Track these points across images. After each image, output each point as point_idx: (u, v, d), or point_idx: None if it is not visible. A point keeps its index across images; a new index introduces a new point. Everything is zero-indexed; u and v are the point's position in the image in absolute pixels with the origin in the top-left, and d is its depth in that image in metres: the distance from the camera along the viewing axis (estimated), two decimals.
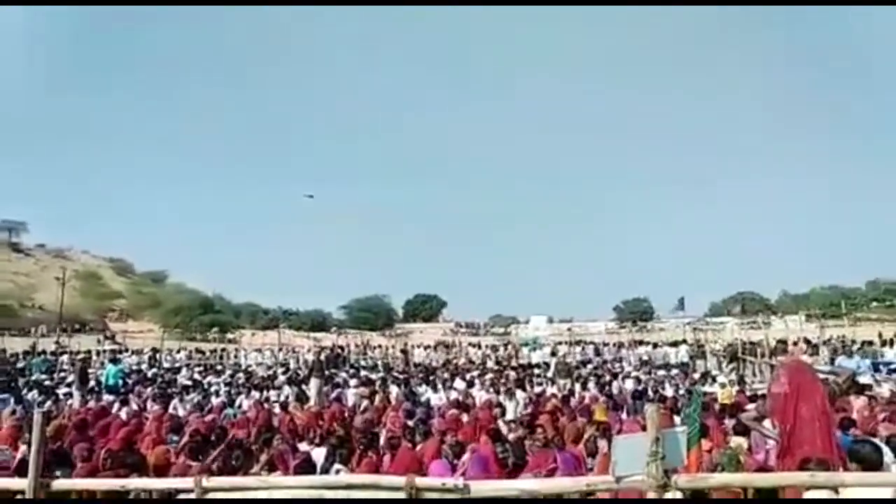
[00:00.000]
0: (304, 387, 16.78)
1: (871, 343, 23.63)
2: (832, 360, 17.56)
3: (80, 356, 24.97)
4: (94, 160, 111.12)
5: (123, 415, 12.61)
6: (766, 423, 6.33)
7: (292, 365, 26.25)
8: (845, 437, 6.00)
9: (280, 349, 32.92)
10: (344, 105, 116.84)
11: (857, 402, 8.85)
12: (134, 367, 24.79)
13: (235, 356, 33.26)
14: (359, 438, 8.66)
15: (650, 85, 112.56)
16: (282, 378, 19.47)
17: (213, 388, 16.61)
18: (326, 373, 19.54)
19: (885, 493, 4.32)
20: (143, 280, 77.17)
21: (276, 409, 12.99)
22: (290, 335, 45.39)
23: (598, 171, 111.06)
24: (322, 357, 25.71)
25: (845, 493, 4.41)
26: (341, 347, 33.48)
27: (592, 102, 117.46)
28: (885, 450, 5.24)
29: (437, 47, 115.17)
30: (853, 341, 25.52)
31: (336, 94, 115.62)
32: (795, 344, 24.39)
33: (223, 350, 36.12)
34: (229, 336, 53.41)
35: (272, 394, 15.87)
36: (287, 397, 14.97)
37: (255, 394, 15.73)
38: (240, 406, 14.00)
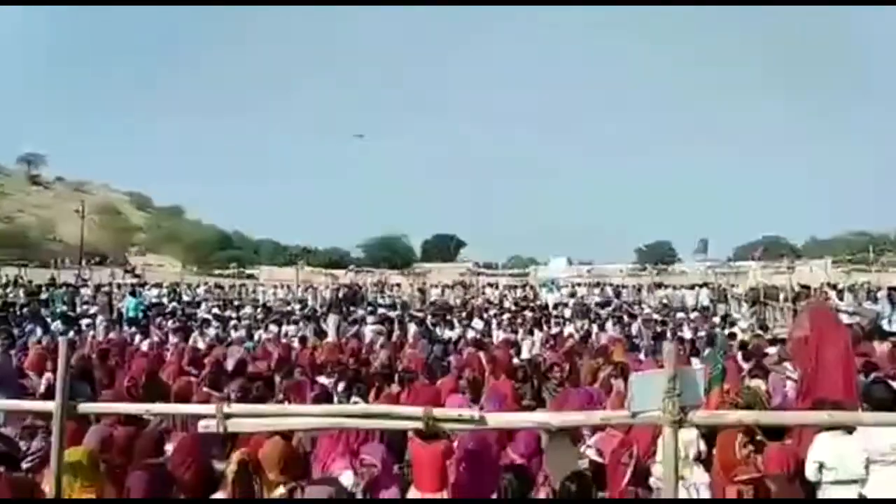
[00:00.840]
0: (322, 323, 16.98)
1: None
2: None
3: (104, 288, 25.38)
4: (113, 93, 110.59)
5: (145, 346, 12.90)
6: (787, 366, 6.32)
7: (310, 301, 26.54)
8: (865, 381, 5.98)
9: (298, 286, 33.25)
10: (362, 42, 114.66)
11: (881, 347, 8.79)
12: (154, 301, 25.16)
13: (254, 292, 33.65)
14: (377, 374, 8.79)
15: (672, 23, 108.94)
16: (300, 314, 19.70)
17: (232, 323, 16.86)
18: (344, 310, 19.73)
19: None
20: (162, 214, 77.77)
21: (295, 344, 13.20)
22: (308, 272, 45.68)
23: (621, 111, 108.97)
24: (340, 294, 25.92)
25: (860, 432, 4.41)
26: (359, 286, 33.73)
27: (613, 41, 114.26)
28: None
29: None
30: (878, 288, 25.22)
31: (357, 31, 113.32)
32: (819, 289, 24.18)
33: (242, 285, 36.49)
34: (248, 272, 53.95)
35: (291, 329, 16.07)
36: (305, 332, 15.18)
37: (274, 328, 15.96)
38: (259, 340, 14.23)
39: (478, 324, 16.58)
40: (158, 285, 31.63)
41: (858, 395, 5.00)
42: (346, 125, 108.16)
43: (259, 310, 22.00)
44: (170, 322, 16.75)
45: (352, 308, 22.26)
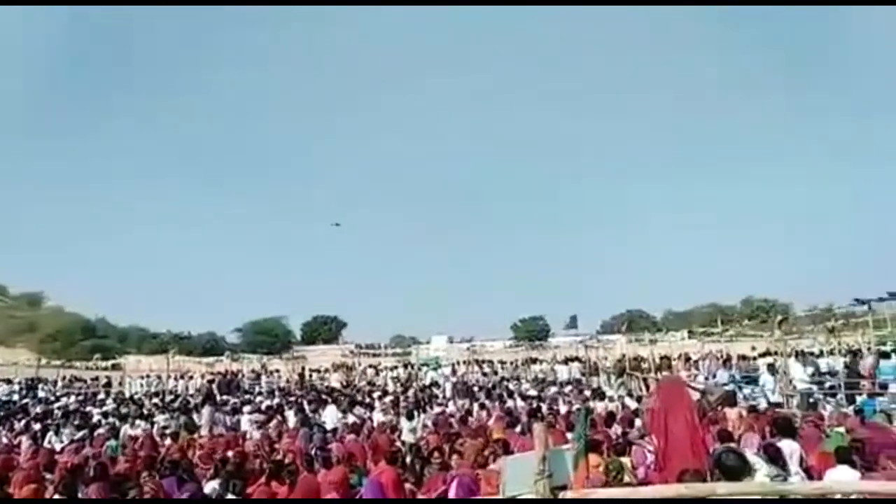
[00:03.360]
0: (194, 415, 16.12)
1: (745, 357, 25.35)
2: (715, 374, 18.81)
3: None
4: None
5: None
6: (646, 438, 6.69)
7: (181, 391, 25.19)
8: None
9: (169, 376, 31.53)
10: (222, 113, 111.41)
11: (731, 414, 9.49)
12: (4, 399, 23.05)
13: (120, 384, 31.57)
14: (255, 468, 8.47)
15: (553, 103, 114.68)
16: (170, 406, 18.63)
17: (94, 419, 15.70)
18: (219, 399, 18.84)
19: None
20: (18, 303, 71.93)
21: (166, 440, 12.48)
22: (180, 360, 43.40)
23: (499, 190, 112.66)
24: (215, 383, 24.81)
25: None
26: (234, 373, 32.44)
27: (506, 126, 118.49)
28: (753, 458, 5.65)
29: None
30: (729, 355, 27.27)
31: (215, 106, 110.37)
32: (679, 358, 25.84)
33: (108, 377, 34.22)
34: (113, 362, 50.58)
35: (160, 423, 15.15)
36: (176, 426, 14.34)
37: (141, 423, 14.98)
38: (124, 437, 13.32)
39: (359, 408, 16.35)
40: (9, 381, 29.07)
41: (709, 463, 5.36)
42: (217, 203, 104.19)
43: (124, 403, 20.61)
44: (21, 422, 15.37)
45: (227, 397, 21.31)
